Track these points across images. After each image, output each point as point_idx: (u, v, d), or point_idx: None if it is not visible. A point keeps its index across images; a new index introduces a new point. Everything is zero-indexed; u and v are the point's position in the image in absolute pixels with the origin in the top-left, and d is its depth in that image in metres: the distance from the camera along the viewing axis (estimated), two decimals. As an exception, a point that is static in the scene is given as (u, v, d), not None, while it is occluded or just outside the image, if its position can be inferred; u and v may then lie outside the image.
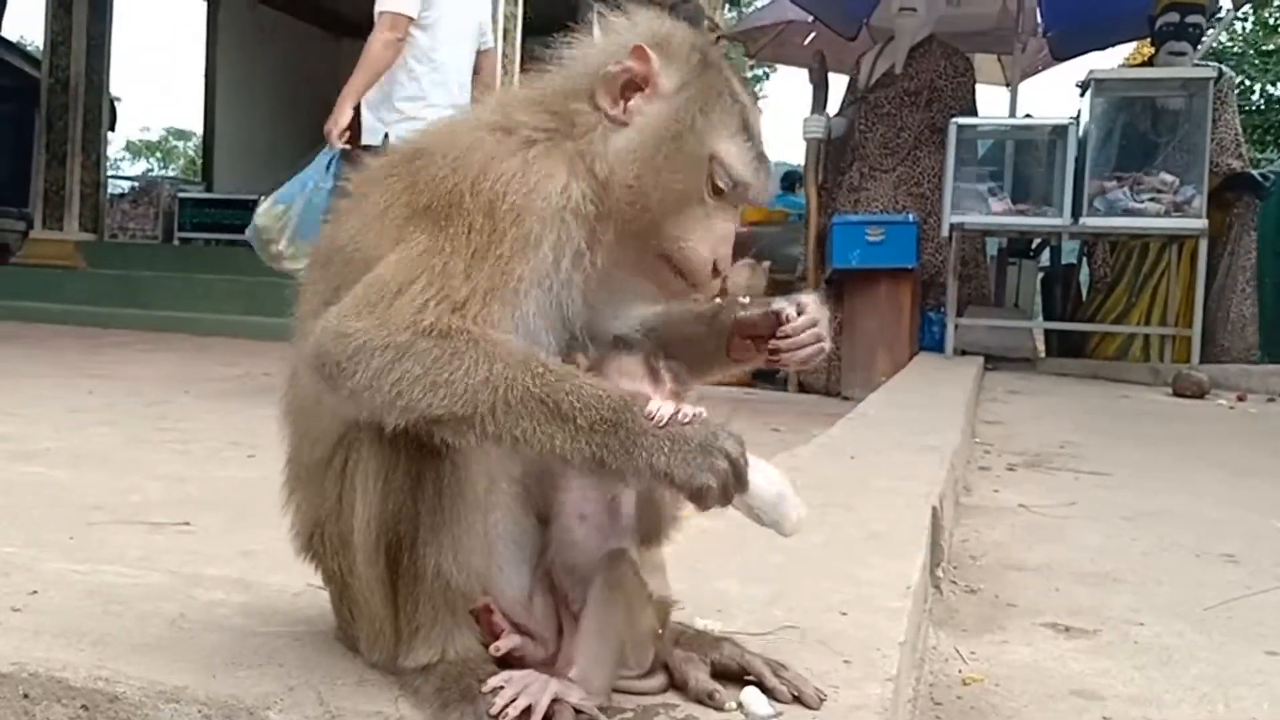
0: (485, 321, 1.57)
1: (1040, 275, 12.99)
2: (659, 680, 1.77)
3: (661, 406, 1.53)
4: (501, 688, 1.58)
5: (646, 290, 1.85)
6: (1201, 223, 10.08)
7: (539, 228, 1.63)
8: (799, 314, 1.84)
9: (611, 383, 1.65)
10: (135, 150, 52.53)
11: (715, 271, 1.76)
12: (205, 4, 19.00)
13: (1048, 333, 12.88)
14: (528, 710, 1.56)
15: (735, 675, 1.80)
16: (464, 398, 1.52)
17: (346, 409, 1.63)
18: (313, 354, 1.61)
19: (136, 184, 20.73)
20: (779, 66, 28.62)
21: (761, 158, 1.79)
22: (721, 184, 1.74)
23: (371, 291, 1.59)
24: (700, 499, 1.52)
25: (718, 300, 1.92)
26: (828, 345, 1.88)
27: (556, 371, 1.55)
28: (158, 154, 51.11)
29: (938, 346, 10.44)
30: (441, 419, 1.55)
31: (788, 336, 1.85)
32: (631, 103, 1.72)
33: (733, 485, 1.53)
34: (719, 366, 1.98)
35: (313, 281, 1.84)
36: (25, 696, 1.73)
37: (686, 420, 1.53)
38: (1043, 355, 11.95)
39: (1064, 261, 13.30)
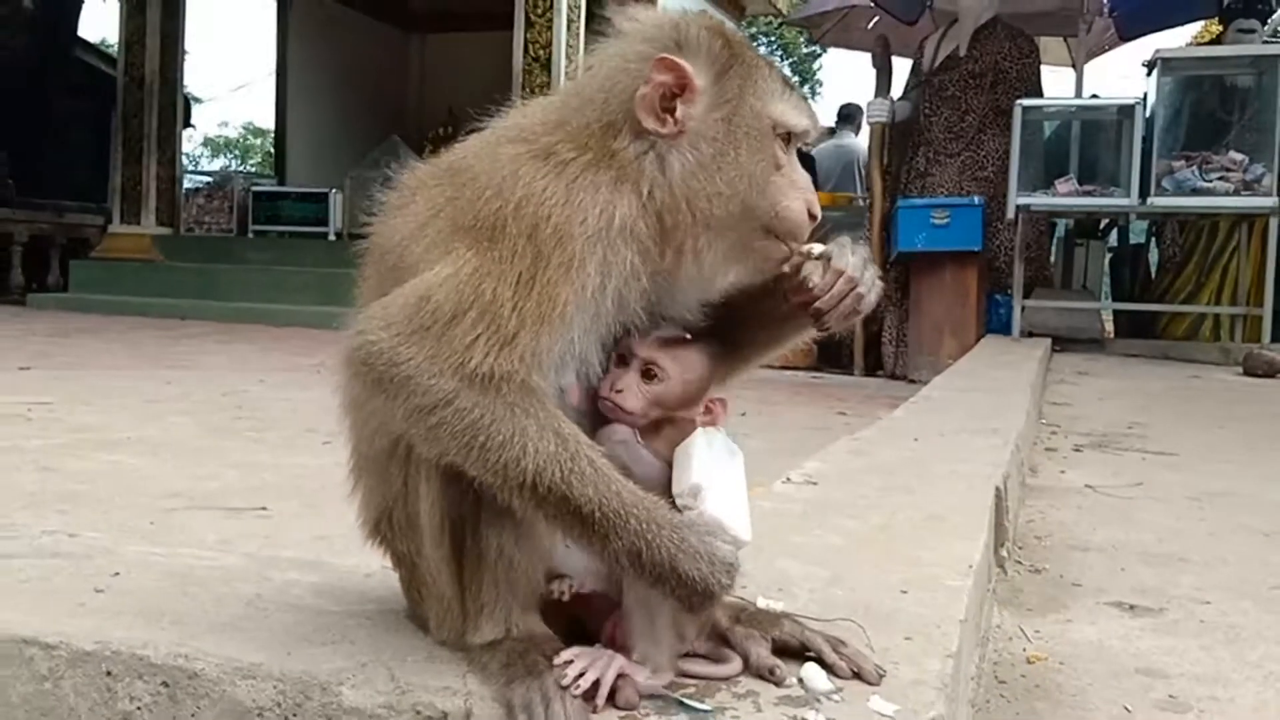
0: (535, 359, 1.61)
1: (1108, 256, 12.85)
2: (735, 665, 1.76)
3: None
4: (570, 662, 1.63)
5: (743, 270, 1.82)
6: (1272, 200, 9.92)
7: (583, 252, 1.63)
8: (825, 267, 1.80)
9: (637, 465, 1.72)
10: (215, 148, 53.01)
11: (812, 217, 1.78)
12: (275, 0, 19.20)
13: (1116, 314, 12.74)
14: (595, 685, 1.60)
15: (796, 652, 1.81)
16: (494, 468, 1.58)
17: (383, 416, 1.72)
18: (359, 361, 1.65)
19: (211, 179, 20.95)
20: (829, 50, 28.51)
21: (805, 99, 1.81)
22: (788, 144, 1.77)
23: (424, 313, 1.62)
24: (695, 604, 1.60)
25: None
26: (868, 292, 1.83)
27: (588, 472, 1.59)
28: (236, 151, 51.45)
29: (1005, 329, 10.37)
30: (473, 476, 1.62)
31: (818, 298, 1.80)
32: (678, 113, 1.71)
33: (727, 590, 1.62)
34: (793, 331, 1.94)
35: (368, 277, 1.88)
36: (108, 674, 1.79)
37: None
38: (1111, 336, 11.83)
39: (1132, 242, 13.15)
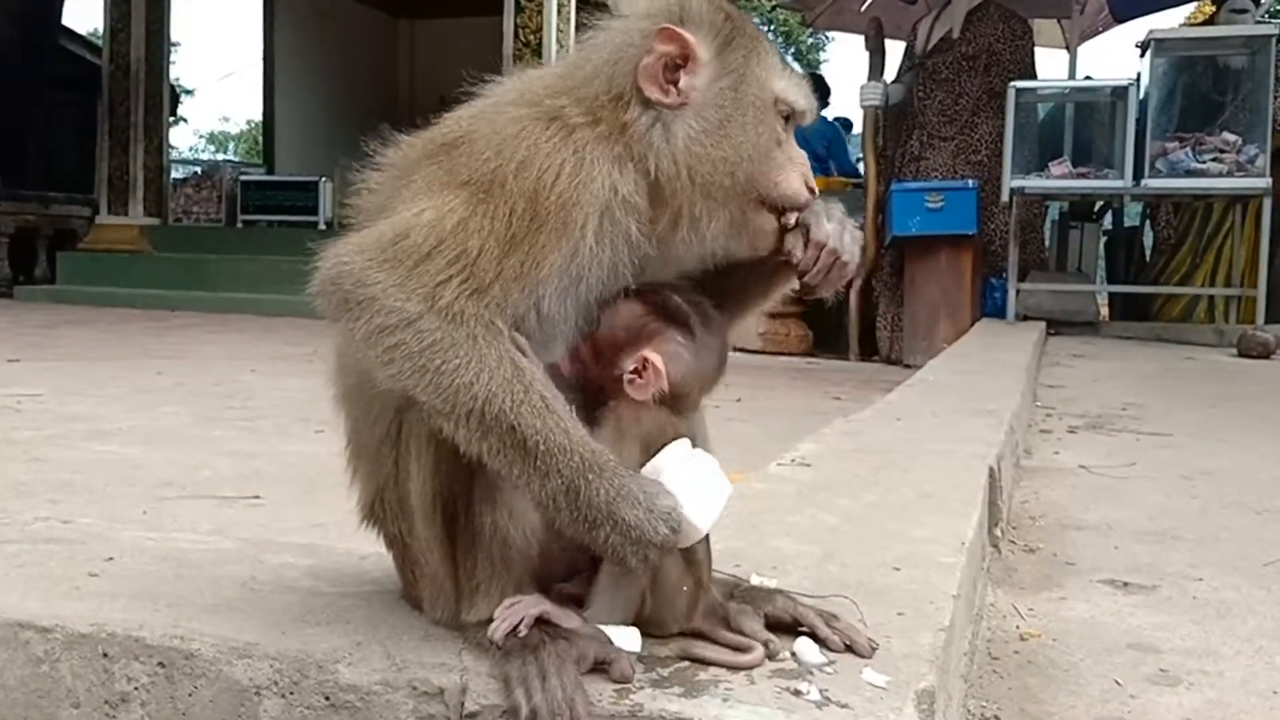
0: (501, 309, 1.61)
1: (1103, 239, 12.87)
2: (757, 654, 1.73)
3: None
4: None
5: (737, 244, 1.82)
6: (1265, 182, 9.94)
7: (583, 220, 1.64)
8: (804, 238, 1.81)
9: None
10: (219, 143, 52.69)
11: (811, 191, 1.80)
12: (262, -14, 19.12)
13: (1111, 296, 12.77)
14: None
15: (789, 627, 1.82)
16: (445, 393, 1.58)
17: (343, 341, 1.73)
18: (328, 280, 1.65)
19: (199, 169, 20.86)
20: (835, 35, 28.45)
21: (804, 79, 1.85)
22: (789, 118, 1.80)
23: (401, 246, 1.62)
24: (631, 553, 1.59)
25: None
26: (851, 258, 1.84)
27: (539, 405, 1.59)
28: (244, 145, 50.94)
29: (1000, 312, 10.39)
30: (420, 402, 1.62)
31: (805, 272, 1.83)
32: (681, 83, 1.73)
33: (668, 549, 1.62)
34: (780, 283, 1.95)
35: None
36: (105, 655, 1.80)
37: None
38: (1106, 319, 11.85)
39: (1127, 224, 13.16)
